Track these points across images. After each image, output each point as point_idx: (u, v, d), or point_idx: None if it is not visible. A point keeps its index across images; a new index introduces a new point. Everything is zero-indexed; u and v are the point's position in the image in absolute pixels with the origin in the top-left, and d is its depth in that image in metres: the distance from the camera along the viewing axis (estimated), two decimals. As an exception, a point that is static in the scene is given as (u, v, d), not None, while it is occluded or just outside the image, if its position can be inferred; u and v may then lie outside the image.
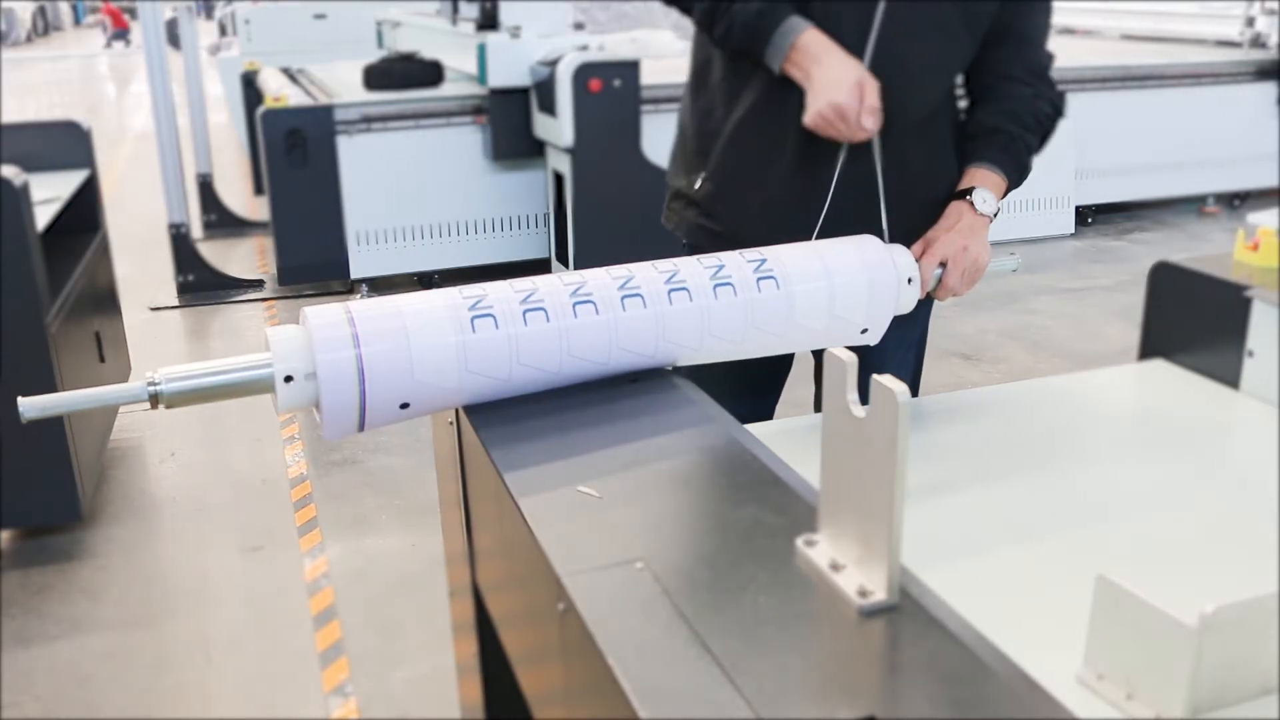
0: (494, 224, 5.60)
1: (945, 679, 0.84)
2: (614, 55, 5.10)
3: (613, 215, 5.07)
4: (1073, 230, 6.69)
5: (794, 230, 1.75)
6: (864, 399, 0.94)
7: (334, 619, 2.87)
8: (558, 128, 4.98)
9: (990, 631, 0.93)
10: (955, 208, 1.77)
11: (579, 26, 5.48)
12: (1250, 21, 7.54)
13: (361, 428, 1.32)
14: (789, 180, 1.83)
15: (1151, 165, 6.84)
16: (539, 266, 5.63)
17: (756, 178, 1.85)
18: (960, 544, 1.31)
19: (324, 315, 1.30)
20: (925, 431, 1.61)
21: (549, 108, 5.03)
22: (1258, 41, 7.48)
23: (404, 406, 1.32)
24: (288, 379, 1.27)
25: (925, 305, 1.87)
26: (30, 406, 1.21)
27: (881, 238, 1.83)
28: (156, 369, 1.25)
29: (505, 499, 1.20)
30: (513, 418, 1.38)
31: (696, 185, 1.91)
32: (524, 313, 1.35)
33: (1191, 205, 7.32)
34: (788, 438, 1.43)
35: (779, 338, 1.51)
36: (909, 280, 1.61)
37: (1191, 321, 1.87)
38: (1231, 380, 1.77)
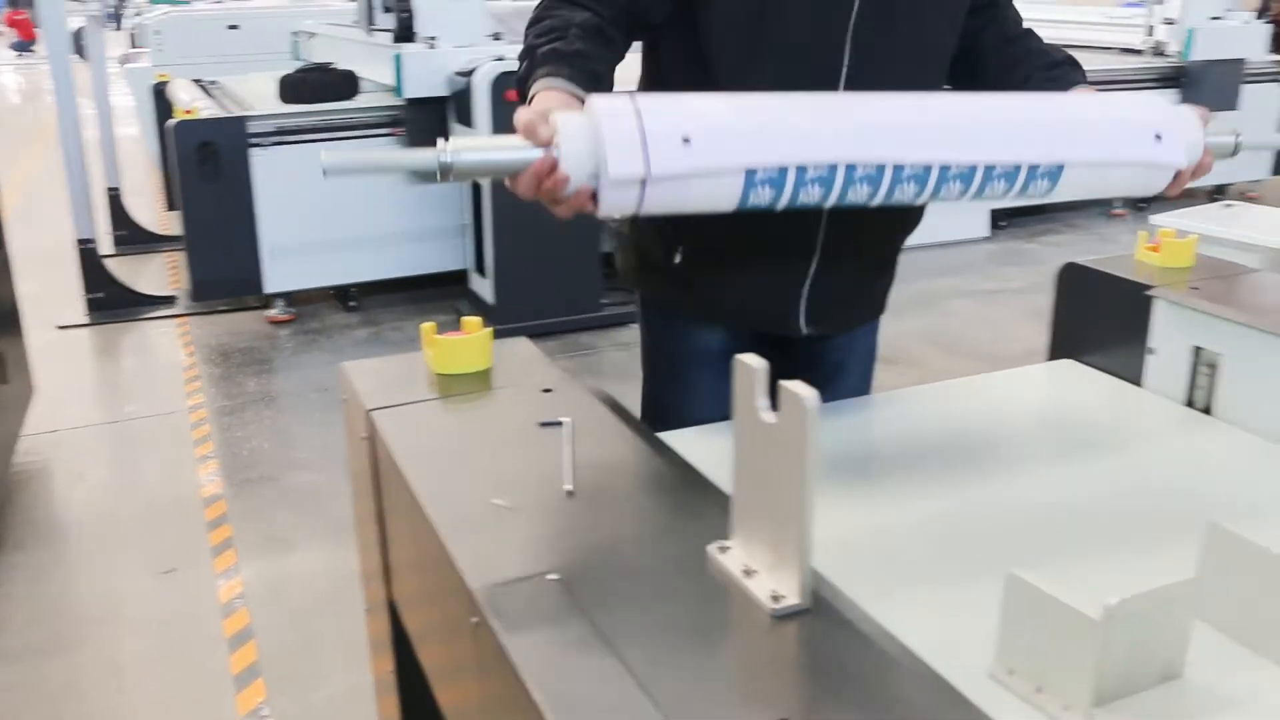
0: (412, 235, 5.55)
1: (857, 680, 0.84)
2: (531, 65, 5.09)
3: (531, 225, 5.04)
4: (987, 234, 6.82)
5: (780, 298, 1.76)
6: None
7: (250, 640, 2.82)
8: (475, 138, 4.96)
9: (903, 631, 0.94)
10: None
11: (496, 36, 5.43)
12: (1150, 30, 7.76)
13: (647, 165, 1.21)
14: (775, 245, 1.72)
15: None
16: (457, 278, 5.60)
17: (739, 250, 1.73)
18: (874, 545, 1.32)
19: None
20: (842, 434, 1.62)
21: (466, 118, 5.00)
22: (1159, 50, 7.70)
23: (686, 141, 1.23)
24: (569, 123, 1.25)
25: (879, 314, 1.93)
26: (332, 165, 1.21)
27: (883, 278, 1.89)
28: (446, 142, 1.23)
29: (418, 513, 1.18)
30: (426, 432, 1.36)
31: (676, 259, 1.78)
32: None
33: (1101, 208, 7.50)
34: (703, 444, 1.43)
35: (1064, 124, 1.40)
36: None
37: (1097, 321, 1.91)
38: (1134, 378, 1.81)
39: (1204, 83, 7.37)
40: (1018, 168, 1.32)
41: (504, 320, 5.01)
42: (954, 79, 1.81)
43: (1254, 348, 1.63)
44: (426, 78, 5.17)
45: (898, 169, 1.27)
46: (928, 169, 1.28)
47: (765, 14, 1.56)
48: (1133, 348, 1.81)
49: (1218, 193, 7.68)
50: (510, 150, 1.26)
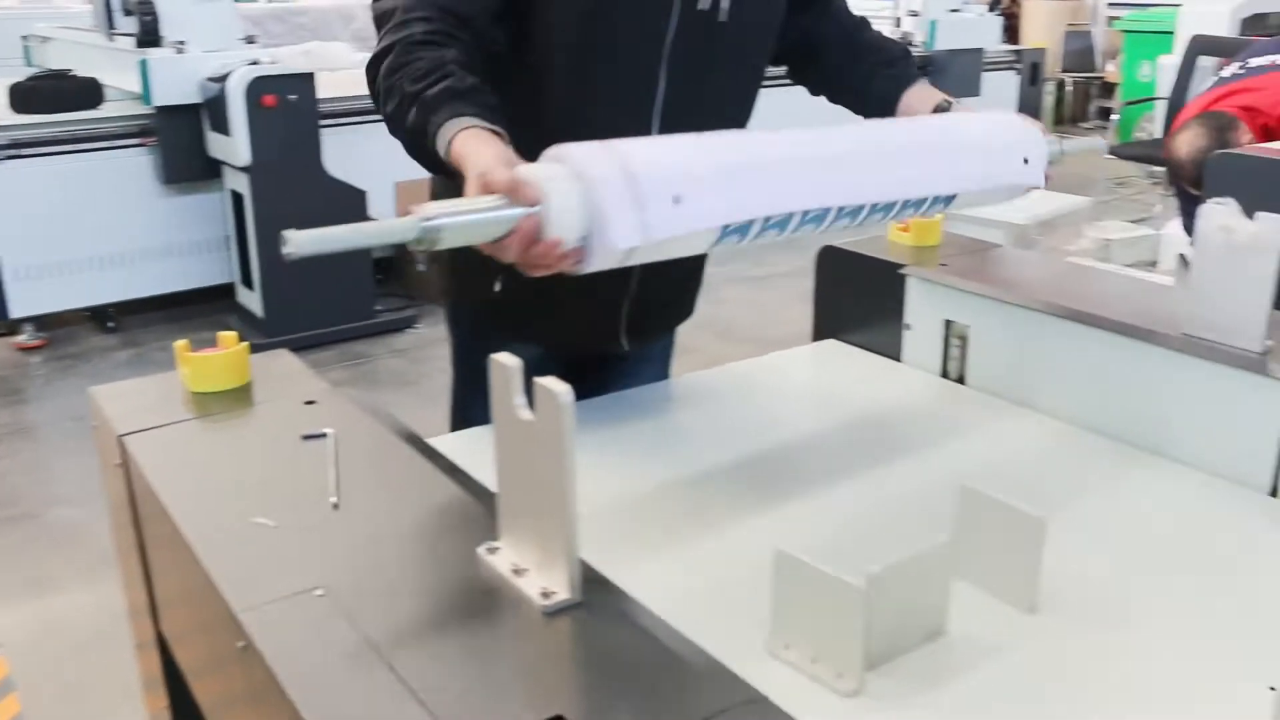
0: (172, 250, 5.29)
1: (631, 669, 0.85)
2: (288, 68, 4.92)
3: (299, 234, 4.90)
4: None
5: (603, 322, 1.74)
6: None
7: (10, 692, 2.63)
8: (233, 146, 4.76)
9: (679, 616, 0.95)
10: (963, 106, 1.73)
11: (250, 40, 5.23)
12: (898, 22, 8.16)
13: (647, 233, 1.17)
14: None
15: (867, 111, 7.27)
16: (224, 292, 5.38)
17: (561, 275, 1.68)
18: (647, 532, 1.33)
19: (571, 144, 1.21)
20: (616, 426, 1.63)
21: (222, 126, 4.80)
22: (907, 40, 8.09)
23: (677, 201, 1.19)
24: (552, 179, 1.17)
25: None
26: (298, 247, 1.08)
27: (695, 282, 1.92)
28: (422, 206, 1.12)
29: (178, 539, 1.13)
30: (183, 454, 1.31)
31: (497, 287, 1.69)
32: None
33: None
34: (471, 445, 1.42)
35: (945, 159, 1.48)
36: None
37: (856, 300, 1.99)
38: (894, 353, 1.90)
39: (948, 71, 7.80)
40: (926, 198, 1.44)
41: (275, 333, 4.85)
42: (796, 73, 1.88)
43: (999, 319, 1.72)
44: (177, 84, 4.93)
45: (840, 209, 1.34)
46: (862, 206, 1.36)
47: (597, 16, 1.54)
48: (890, 324, 1.90)
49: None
50: (493, 211, 1.15)
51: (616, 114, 1.57)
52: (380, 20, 1.51)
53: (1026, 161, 1.55)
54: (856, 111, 1.83)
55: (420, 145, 1.38)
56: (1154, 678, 1.06)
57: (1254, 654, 1.09)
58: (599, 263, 1.19)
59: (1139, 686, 1.04)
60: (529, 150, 1.27)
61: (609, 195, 1.15)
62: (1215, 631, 1.13)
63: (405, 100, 1.39)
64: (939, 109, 1.71)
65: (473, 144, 1.28)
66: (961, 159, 1.49)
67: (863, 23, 1.87)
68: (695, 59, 1.59)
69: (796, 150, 1.33)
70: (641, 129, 1.60)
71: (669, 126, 1.60)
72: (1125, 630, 1.13)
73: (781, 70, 1.88)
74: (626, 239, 1.16)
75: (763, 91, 1.78)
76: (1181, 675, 1.06)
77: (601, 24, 1.53)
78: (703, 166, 1.24)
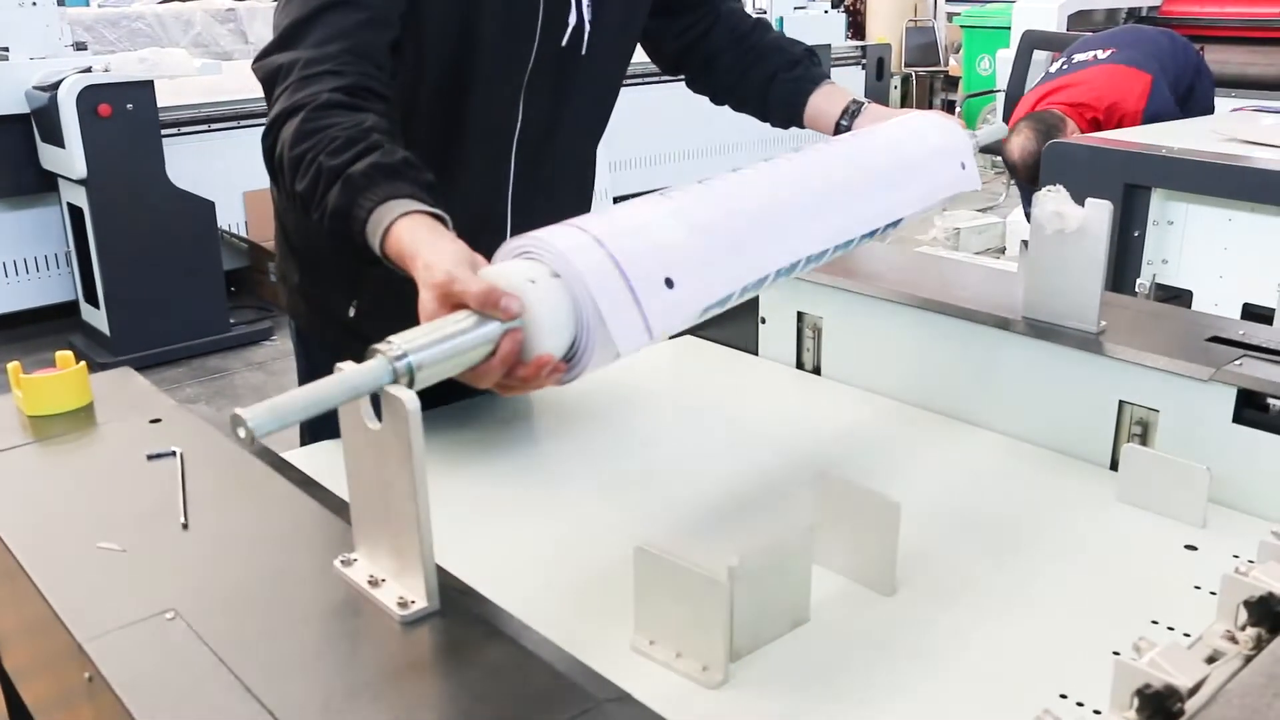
0: (5, 270, 5.05)
1: (493, 675, 0.84)
2: (123, 76, 4.74)
3: (143, 247, 4.74)
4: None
5: None
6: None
7: None
8: (67, 158, 4.57)
9: (540, 618, 0.95)
10: (874, 108, 1.65)
11: (80, 46, 5.04)
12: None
13: (649, 327, 1.02)
14: None
15: (680, 153, 7.35)
16: (66, 310, 5.16)
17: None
18: (508, 536, 1.33)
19: (544, 231, 1.05)
20: (471, 430, 1.62)
21: (54, 137, 4.60)
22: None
23: (670, 284, 1.05)
24: (531, 281, 0.99)
25: None
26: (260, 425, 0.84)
27: None
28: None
29: (16, 570, 1.08)
30: (20, 481, 1.26)
31: (351, 313, 1.63)
32: (699, 182, 1.21)
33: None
34: (326, 458, 1.39)
35: (889, 181, 1.41)
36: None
37: (712, 297, 2.00)
38: (752, 347, 1.92)
39: (797, 67, 7.97)
40: (879, 227, 1.38)
41: (124, 350, 4.68)
42: (695, 83, 1.83)
43: (851, 310, 1.76)
44: (1, 93, 4.71)
45: (809, 257, 1.27)
46: (826, 250, 1.30)
47: (459, 54, 1.49)
48: (746, 318, 1.92)
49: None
50: (472, 332, 0.97)
51: (479, 141, 1.56)
52: (273, 78, 1.31)
53: (964, 166, 1.50)
54: (761, 119, 1.78)
55: (345, 229, 1.20)
56: (1009, 652, 1.09)
57: (1100, 622, 1.13)
58: (591, 370, 1.04)
59: (996, 661, 1.08)
60: None
61: (604, 292, 0.99)
62: (1064, 603, 1.18)
63: (324, 176, 1.21)
64: (848, 111, 1.65)
65: (422, 234, 1.11)
66: (911, 181, 1.43)
67: (760, 25, 1.81)
68: (554, 89, 1.58)
69: (766, 201, 1.23)
70: (502, 156, 1.59)
71: (525, 153, 1.60)
72: (980, 607, 1.17)
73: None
74: (631, 341, 1.01)
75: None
76: (1035, 647, 1.10)
77: (465, 58, 1.49)
78: (680, 236, 1.10)
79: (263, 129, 1.32)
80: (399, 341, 0.92)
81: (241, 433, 0.82)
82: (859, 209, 1.34)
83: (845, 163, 1.38)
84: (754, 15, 1.85)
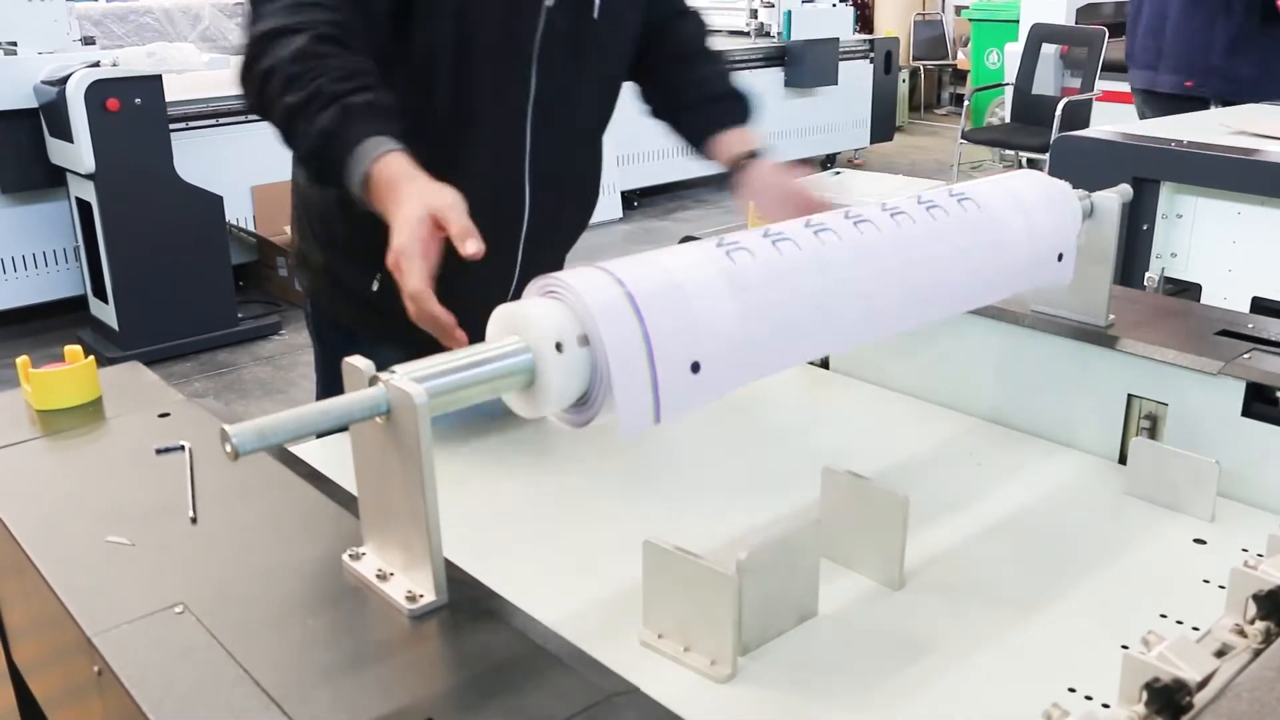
0: (14, 264, 5.07)
1: (500, 668, 0.84)
2: (131, 71, 4.75)
3: (151, 242, 4.74)
4: (620, 215, 7.04)
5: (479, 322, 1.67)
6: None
7: None
8: (75, 153, 4.58)
9: (552, 612, 0.95)
10: (773, 170, 1.67)
11: (88, 41, 5.04)
12: (754, 13, 8.28)
13: (658, 409, 0.98)
14: (477, 270, 1.50)
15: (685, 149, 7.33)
16: (74, 304, 5.18)
17: (442, 278, 1.45)
18: (517, 529, 1.33)
19: (583, 275, 0.99)
20: (480, 424, 1.62)
21: (63, 132, 4.61)
22: (763, 31, 8.22)
23: (695, 369, 1.00)
24: (558, 346, 0.95)
25: None
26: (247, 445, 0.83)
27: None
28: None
29: (26, 564, 1.08)
30: (30, 475, 1.26)
31: (374, 287, 1.66)
32: (774, 242, 1.09)
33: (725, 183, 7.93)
34: (336, 451, 1.39)
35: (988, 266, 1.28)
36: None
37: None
38: (758, 341, 1.92)
39: (805, 60, 7.95)
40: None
41: (133, 345, 4.69)
42: (642, 95, 1.86)
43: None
44: (9, 88, 4.71)
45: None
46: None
47: (465, 23, 1.53)
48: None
49: (829, 161, 8.32)
50: (478, 369, 0.95)
51: (493, 107, 1.59)
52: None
53: (1061, 258, 1.37)
54: (678, 136, 1.83)
55: (322, 148, 1.29)
56: (1018, 647, 1.09)
57: (1109, 616, 1.13)
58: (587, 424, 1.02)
59: (1004, 655, 1.08)
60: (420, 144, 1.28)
61: (623, 371, 0.95)
62: (1073, 597, 1.17)
63: (322, 97, 1.29)
64: (737, 159, 1.68)
65: (418, 170, 1.25)
66: (1005, 286, 1.33)
67: (709, 55, 1.85)
68: (568, 52, 1.61)
69: (837, 286, 1.12)
70: (518, 122, 1.62)
71: (540, 118, 1.63)
72: (988, 601, 1.17)
73: None
74: (635, 424, 0.98)
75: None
76: (1043, 641, 1.10)
77: (473, 21, 1.52)
78: (725, 311, 1.03)
79: (247, 38, 1.42)
80: (405, 372, 0.90)
81: (227, 448, 0.82)
82: (936, 310, 1.27)
83: (943, 243, 1.23)
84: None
